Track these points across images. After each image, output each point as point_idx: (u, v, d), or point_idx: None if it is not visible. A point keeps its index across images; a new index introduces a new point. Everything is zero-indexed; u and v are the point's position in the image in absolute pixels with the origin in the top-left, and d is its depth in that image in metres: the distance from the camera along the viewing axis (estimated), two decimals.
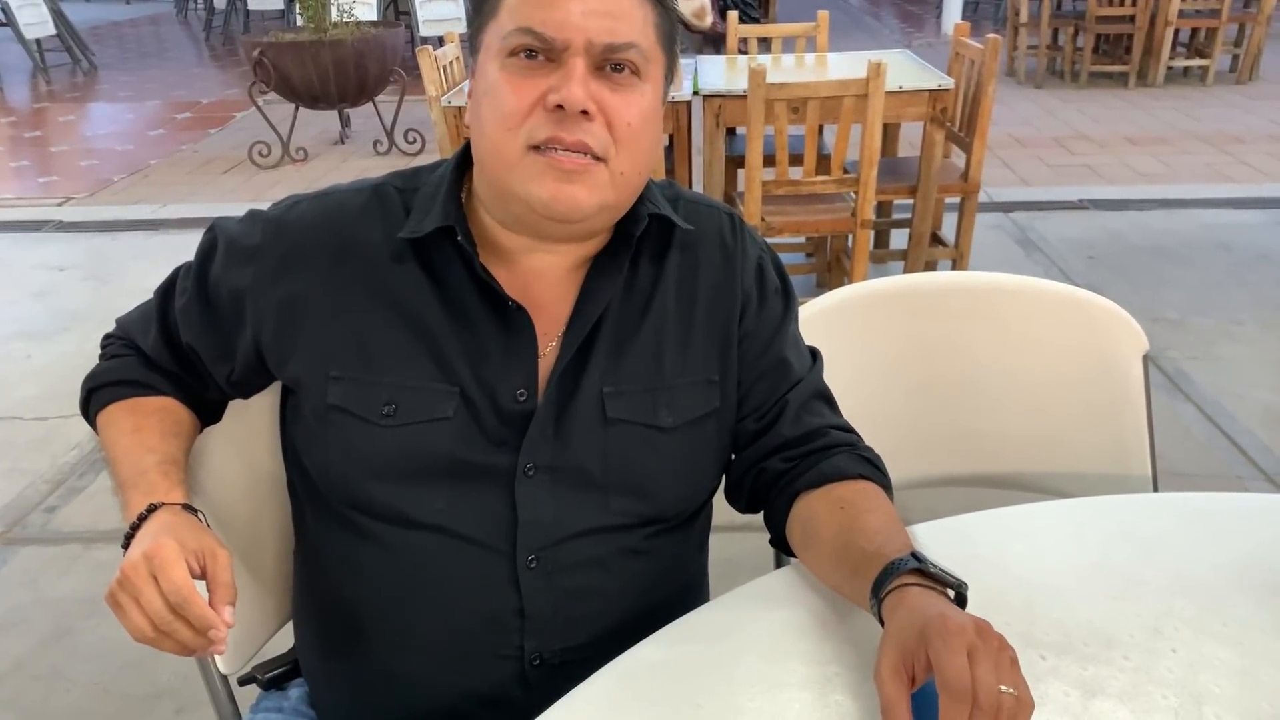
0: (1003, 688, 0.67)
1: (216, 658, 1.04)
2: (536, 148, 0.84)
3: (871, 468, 0.97)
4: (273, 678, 1.09)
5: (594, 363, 0.93)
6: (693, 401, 0.96)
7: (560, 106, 0.83)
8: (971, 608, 0.79)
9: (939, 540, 0.95)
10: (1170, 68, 7.44)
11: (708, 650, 0.85)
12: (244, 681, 1.09)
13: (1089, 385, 1.30)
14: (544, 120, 0.84)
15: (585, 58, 0.84)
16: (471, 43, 0.92)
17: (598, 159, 0.85)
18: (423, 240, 0.92)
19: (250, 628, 1.09)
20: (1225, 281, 3.78)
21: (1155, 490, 1.28)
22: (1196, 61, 7.48)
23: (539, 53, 0.84)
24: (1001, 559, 0.95)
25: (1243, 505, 1.05)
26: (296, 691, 1.08)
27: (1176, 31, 7.36)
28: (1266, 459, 2.62)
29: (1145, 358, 1.28)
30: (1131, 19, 7.21)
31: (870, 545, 0.83)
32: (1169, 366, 3.10)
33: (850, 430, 1.02)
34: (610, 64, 0.85)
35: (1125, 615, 0.87)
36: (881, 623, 0.78)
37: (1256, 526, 1.00)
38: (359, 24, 5.75)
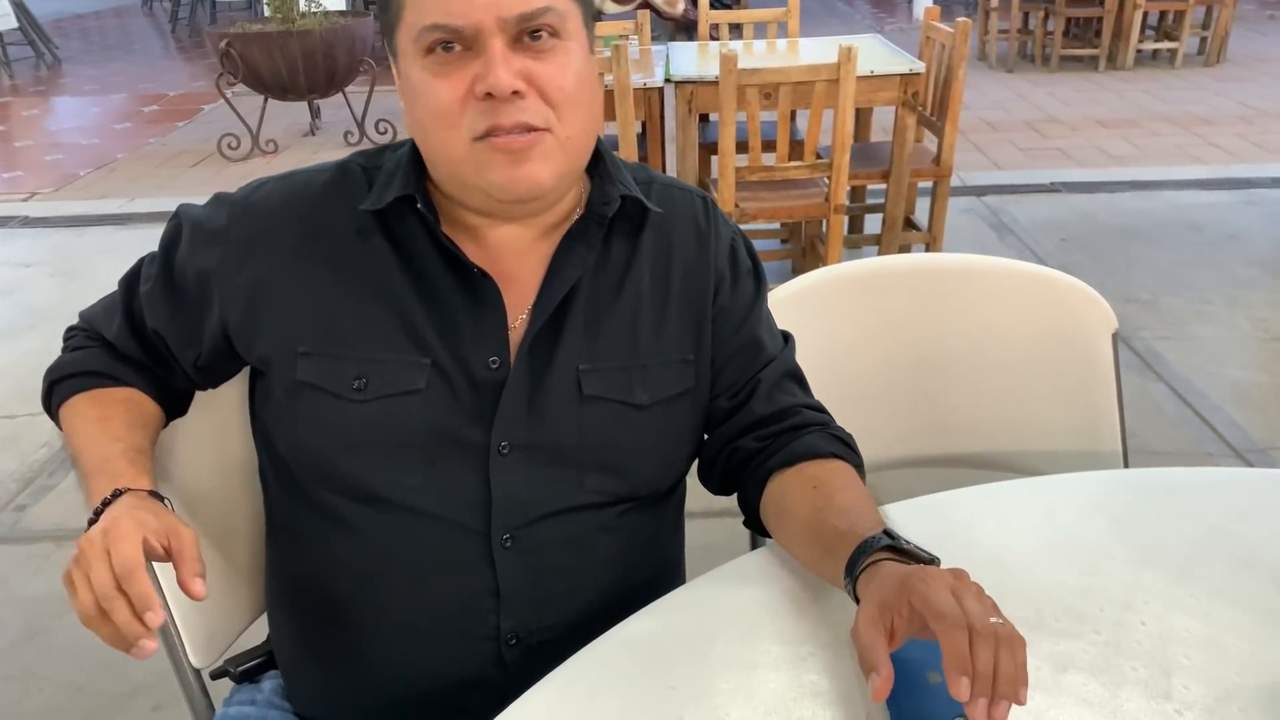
0: (992, 619, 0.69)
1: (190, 651, 1.04)
2: (480, 138, 0.84)
3: (844, 446, 0.98)
4: (246, 670, 1.08)
5: (568, 340, 0.93)
6: (667, 380, 0.96)
7: (491, 94, 0.82)
8: None
9: (911, 519, 0.96)
10: (1139, 51, 7.50)
11: (683, 632, 0.85)
12: (217, 675, 1.08)
13: (1059, 364, 1.30)
14: (479, 111, 0.83)
15: (501, 35, 0.82)
16: (389, 50, 0.91)
17: (542, 129, 0.85)
18: (387, 214, 0.91)
19: (223, 621, 1.09)
20: (1195, 261, 3.81)
21: (1126, 466, 1.29)
22: (1165, 44, 7.53)
23: (454, 44, 0.83)
24: (973, 537, 0.96)
25: (1210, 479, 1.06)
26: (270, 683, 1.07)
27: (1145, 15, 7.41)
28: (1236, 435, 2.65)
29: (1114, 336, 1.28)
30: (1101, 2, 7.26)
31: (843, 524, 0.84)
32: (1141, 346, 3.13)
33: (822, 410, 1.02)
34: (528, 32, 0.84)
35: (1095, 590, 0.88)
36: (856, 601, 0.78)
37: (1224, 500, 1.01)
38: (327, 14, 5.68)
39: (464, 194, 0.91)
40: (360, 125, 5.75)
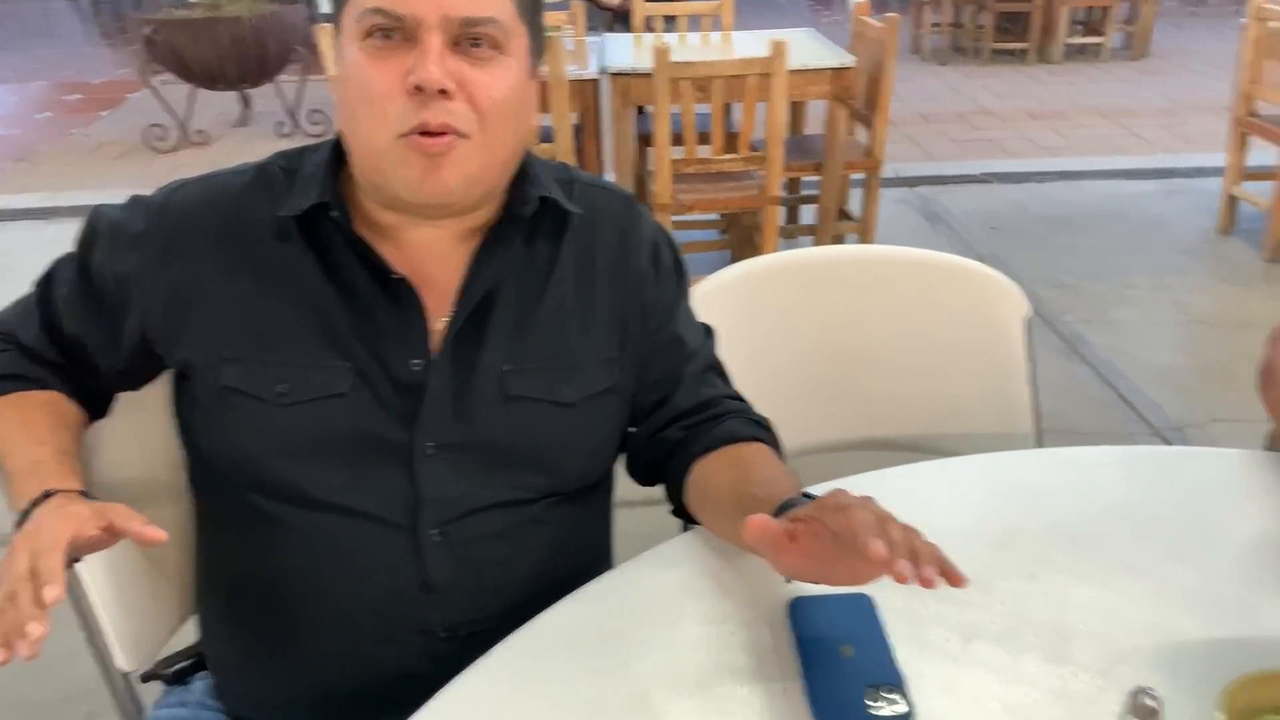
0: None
1: (118, 655, 1.03)
2: (404, 135, 0.84)
3: (762, 430, 1.01)
4: (176, 672, 1.08)
5: (492, 341, 0.94)
6: (592, 378, 0.97)
7: (420, 88, 0.82)
8: None
9: None
10: (1068, 45, 7.67)
11: (607, 617, 0.87)
12: (146, 678, 1.07)
13: (975, 350, 1.35)
14: (408, 107, 0.83)
15: (441, 34, 0.83)
16: (335, 29, 0.91)
17: (463, 135, 0.85)
18: (306, 218, 0.91)
19: (151, 623, 1.08)
20: (1120, 248, 3.93)
21: (1040, 446, 1.34)
22: (1092, 39, 7.73)
23: (394, 32, 0.83)
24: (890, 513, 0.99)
25: (1114, 457, 1.10)
26: (200, 684, 1.07)
27: (1073, 10, 7.59)
28: (1156, 415, 2.74)
29: (1027, 322, 1.33)
30: None
31: (762, 492, 0.86)
32: (1066, 330, 3.22)
33: (742, 399, 1.05)
34: (469, 39, 0.84)
35: (1004, 564, 0.92)
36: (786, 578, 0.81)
37: (1126, 476, 1.05)
38: (255, 1, 5.58)
39: (380, 190, 0.90)
40: (293, 115, 5.66)
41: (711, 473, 0.96)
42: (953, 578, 0.68)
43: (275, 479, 0.91)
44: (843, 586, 0.76)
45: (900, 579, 0.67)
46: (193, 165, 5.20)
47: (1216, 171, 4.19)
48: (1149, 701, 0.61)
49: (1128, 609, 0.85)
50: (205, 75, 5.30)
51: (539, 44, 0.93)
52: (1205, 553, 0.92)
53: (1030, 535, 0.96)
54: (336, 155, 0.94)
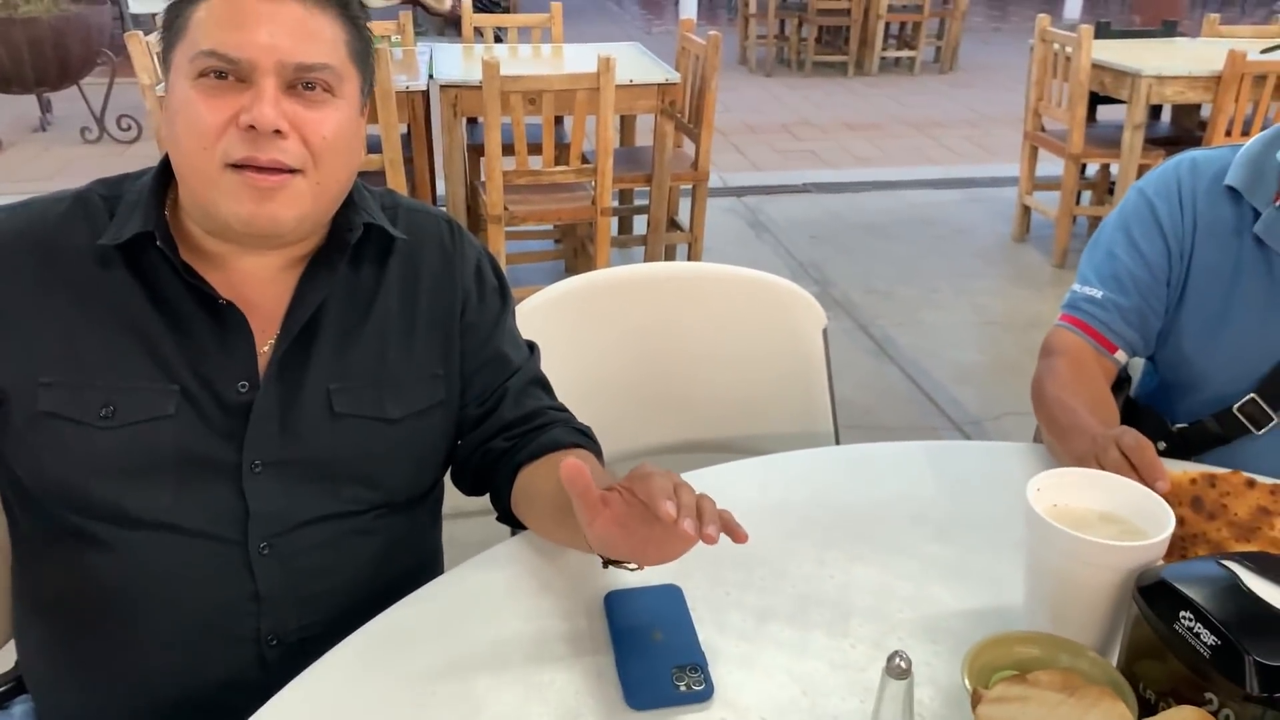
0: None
1: None
2: (233, 165, 0.88)
3: (583, 437, 1.08)
4: None
5: (318, 361, 0.97)
6: (419, 394, 1.03)
7: (253, 127, 0.86)
8: None
9: None
10: (883, 58, 8.14)
11: (435, 618, 0.93)
12: None
13: (780, 357, 1.47)
14: (238, 139, 0.87)
15: (276, 78, 0.87)
16: (163, 60, 0.93)
17: (295, 171, 0.89)
18: (129, 247, 0.93)
19: None
20: (927, 254, 4.23)
21: (837, 444, 1.47)
22: (905, 52, 8.22)
23: (227, 73, 0.87)
24: None
25: (898, 451, 1.23)
26: (20, 708, 1.06)
27: (887, 25, 8.06)
28: (956, 410, 2.99)
29: (824, 332, 1.46)
30: (848, 12, 7.83)
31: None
32: (878, 333, 3.45)
33: (565, 410, 1.12)
34: (303, 83, 0.89)
35: (796, 550, 1.03)
36: (602, 561, 0.88)
37: (906, 469, 1.19)
38: (56, 0, 5.29)
39: (207, 219, 0.93)
40: (99, 120, 5.35)
41: (536, 479, 1.03)
42: (736, 534, 0.79)
43: (97, 502, 0.92)
44: (653, 563, 0.84)
45: (687, 537, 0.77)
46: None
47: (1012, 181, 4.57)
48: (900, 663, 0.72)
49: (898, 585, 0.98)
50: None
51: (369, 83, 0.98)
52: (965, 533, 1.06)
53: (820, 524, 1.07)
54: (160, 182, 0.96)
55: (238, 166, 0.87)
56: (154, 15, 5.40)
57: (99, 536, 0.93)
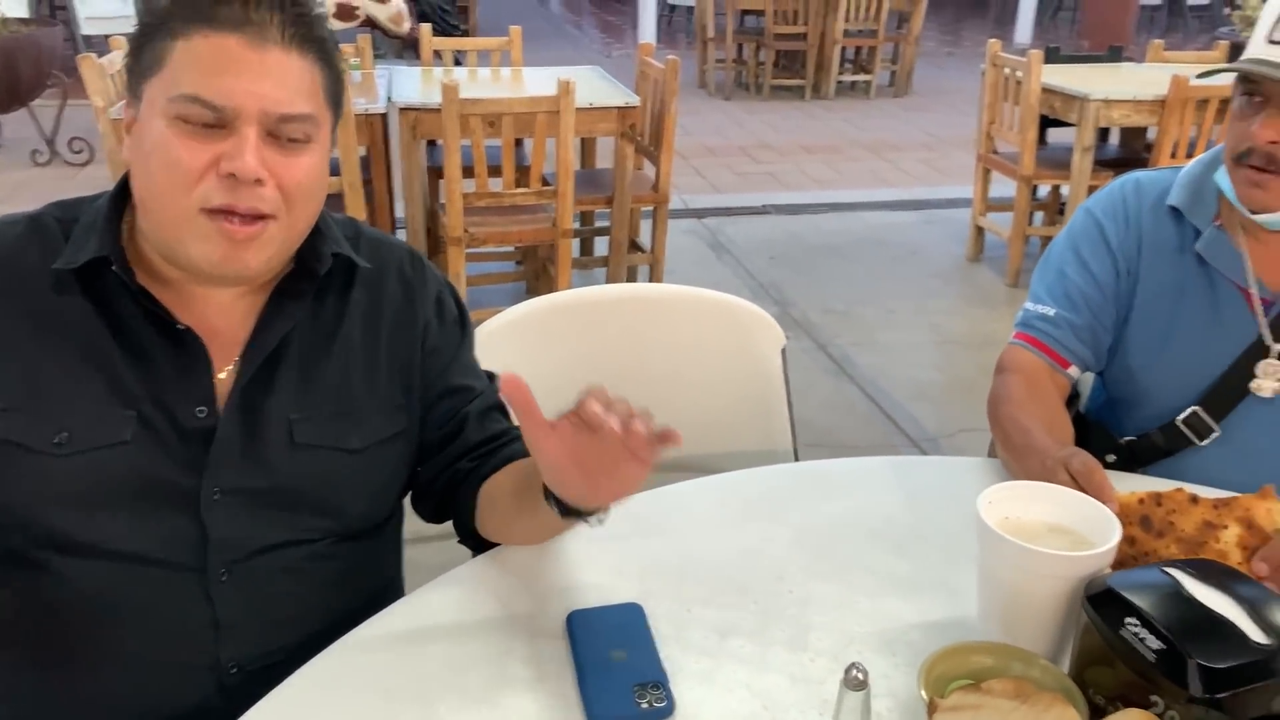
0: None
1: None
2: (209, 210, 0.87)
3: None
4: None
5: (280, 390, 0.97)
6: (380, 424, 1.03)
7: (234, 175, 0.86)
8: (635, 574, 0.97)
9: (613, 517, 1.07)
10: (840, 82, 8.25)
11: (398, 640, 0.93)
12: None
13: (740, 377, 1.49)
14: (217, 186, 0.87)
15: (258, 126, 0.87)
16: (130, 86, 0.92)
17: (269, 217, 0.89)
18: (85, 271, 0.92)
19: None
20: (884, 275, 4.28)
21: (796, 461, 1.49)
22: (861, 76, 8.34)
23: (210, 121, 0.86)
24: (662, 528, 1.10)
25: (856, 467, 1.26)
26: None
27: (843, 49, 8.18)
28: (913, 428, 3.02)
29: (783, 352, 1.48)
30: (804, 36, 7.93)
31: (535, 465, 0.90)
32: (837, 353, 3.49)
33: None
34: (285, 135, 0.89)
35: (756, 567, 1.04)
36: (553, 504, 0.88)
37: (863, 484, 1.20)
38: (5, 21, 5.19)
39: (173, 256, 0.92)
40: (50, 143, 5.25)
41: (497, 481, 1.03)
42: (671, 437, 0.78)
43: (51, 530, 0.91)
44: (605, 500, 0.85)
45: (631, 458, 0.77)
46: None
47: (966, 203, 4.64)
48: (857, 674, 0.73)
49: (856, 599, 0.99)
50: None
51: (339, 118, 0.99)
52: (920, 547, 1.08)
53: (780, 541, 1.09)
54: (116, 206, 0.95)
55: (213, 212, 0.87)
56: (106, 37, 5.34)
57: (53, 564, 0.92)
